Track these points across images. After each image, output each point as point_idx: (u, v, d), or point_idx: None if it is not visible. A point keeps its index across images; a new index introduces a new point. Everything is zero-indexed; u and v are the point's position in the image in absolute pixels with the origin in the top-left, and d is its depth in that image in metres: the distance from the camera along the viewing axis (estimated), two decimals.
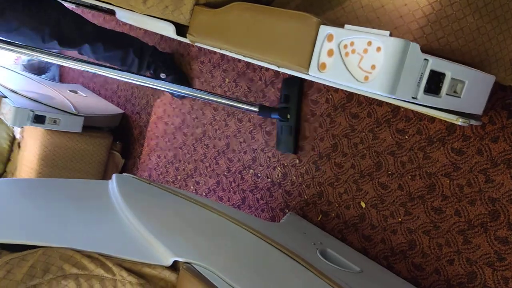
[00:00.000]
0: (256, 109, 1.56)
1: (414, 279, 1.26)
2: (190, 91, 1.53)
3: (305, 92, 1.61)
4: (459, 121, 0.85)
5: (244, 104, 1.58)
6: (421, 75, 0.72)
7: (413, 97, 0.73)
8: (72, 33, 1.76)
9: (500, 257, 1.13)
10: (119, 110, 2.48)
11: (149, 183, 1.35)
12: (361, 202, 1.43)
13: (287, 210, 1.66)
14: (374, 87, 0.70)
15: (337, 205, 1.50)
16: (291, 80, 1.65)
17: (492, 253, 1.14)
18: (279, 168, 1.68)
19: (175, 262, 0.96)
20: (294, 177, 1.63)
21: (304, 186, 1.60)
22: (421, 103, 0.76)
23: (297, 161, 1.63)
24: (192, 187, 2.08)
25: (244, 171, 1.84)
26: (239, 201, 1.85)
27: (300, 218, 1.56)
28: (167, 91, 2.11)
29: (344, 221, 1.48)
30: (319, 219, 1.54)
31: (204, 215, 1.24)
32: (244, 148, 1.83)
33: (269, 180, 1.73)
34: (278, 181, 1.69)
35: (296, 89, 1.61)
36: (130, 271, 0.93)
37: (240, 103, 1.57)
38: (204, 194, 2.00)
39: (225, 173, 1.91)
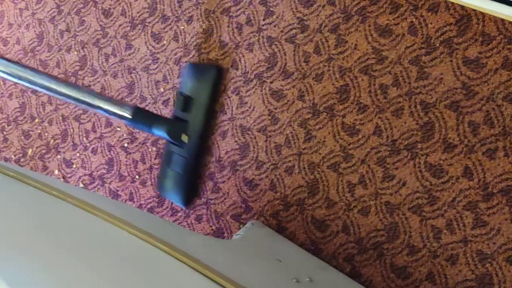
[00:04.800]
0: (128, 115, 1.57)
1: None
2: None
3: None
4: None
5: (113, 105, 1.61)
6: None
7: None
8: None
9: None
10: None
11: None
12: None
13: (245, 217, 1.60)
14: None
15: (344, 207, 1.41)
16: (201, 68, 1.60)
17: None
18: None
19: None
20: (263, 151, 1.61)
21: (282, 168, 1.54)
22: None
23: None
24: (57, 172, 2.04)
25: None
26: (153, 201, 1.74)
27: (272, 232, 1.56)
28: None
29: (358, 239, 1.42)
30: (309, 235, 1.50)
31: (83, 222, 1.18)
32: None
33: (213, 158, 1.70)
34: (231, 159, 1.66)
35: (209, 88, 1.58)
36: None
37: (108, 103, 1.60)
38: (82, 185, 1.99)
39: (127, 144, 1.77)
